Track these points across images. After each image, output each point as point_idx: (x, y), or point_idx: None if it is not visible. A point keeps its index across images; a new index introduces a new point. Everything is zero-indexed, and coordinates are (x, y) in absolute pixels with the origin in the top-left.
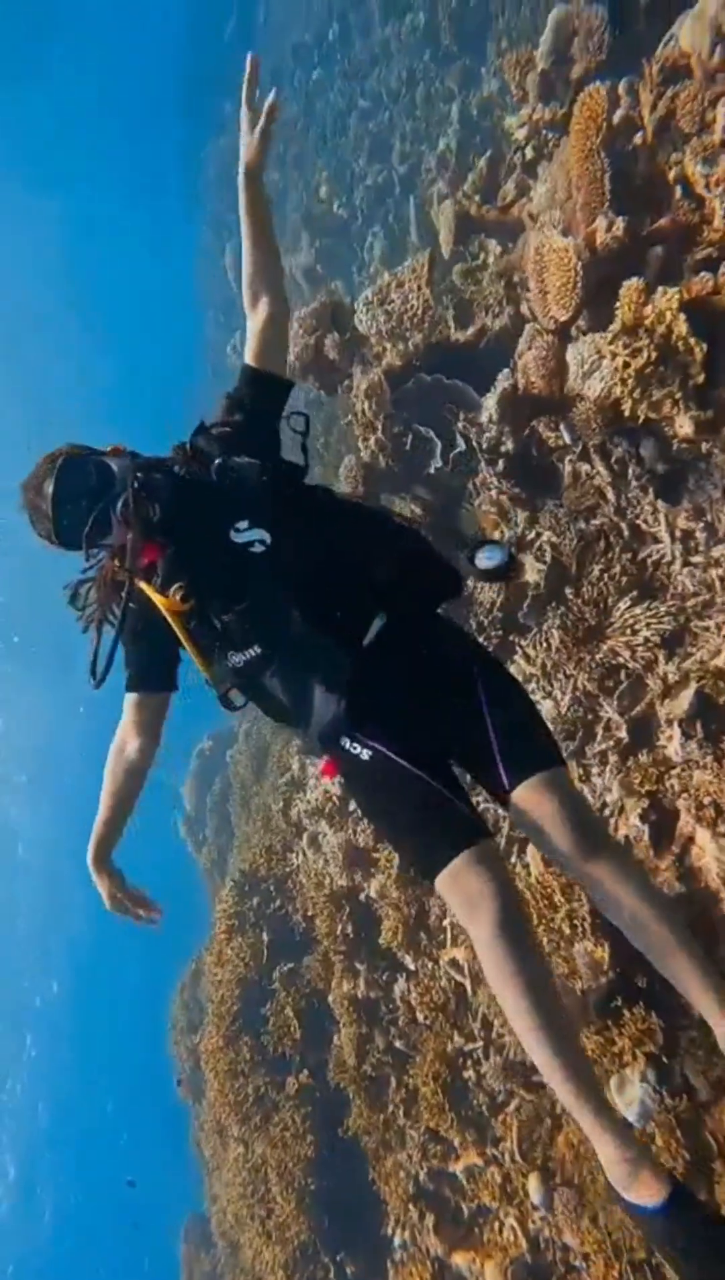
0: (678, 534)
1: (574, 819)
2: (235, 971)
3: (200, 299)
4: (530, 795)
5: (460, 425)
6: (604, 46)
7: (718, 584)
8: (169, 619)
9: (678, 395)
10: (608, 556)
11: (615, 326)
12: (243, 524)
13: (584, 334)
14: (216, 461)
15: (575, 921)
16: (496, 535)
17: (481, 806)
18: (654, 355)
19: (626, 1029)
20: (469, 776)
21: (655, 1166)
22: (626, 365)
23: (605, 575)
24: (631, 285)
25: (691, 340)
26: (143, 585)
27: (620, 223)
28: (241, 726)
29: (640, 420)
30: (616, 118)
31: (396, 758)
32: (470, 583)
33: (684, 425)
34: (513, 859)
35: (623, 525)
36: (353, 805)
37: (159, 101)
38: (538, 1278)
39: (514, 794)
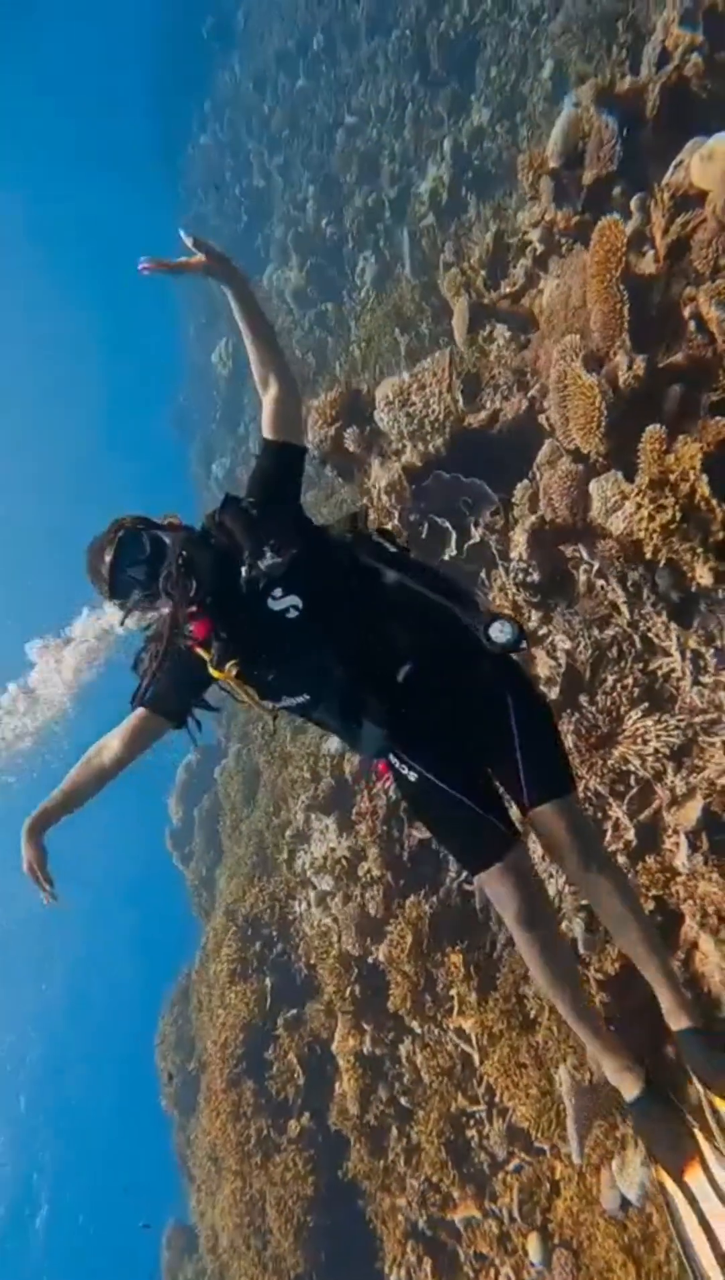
0: (688, 653)
1: (579, 842)
2: (239, 1016)
3: (181, 307)
4: (547, 816)
5: (480, 530)
6: (615, 158)
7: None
8: (229, 683)
9: (698, 550)
10: (620, 666)
11: (641, 481)
12: (277, 592)
13: (605, 462)
14: (246, 555)
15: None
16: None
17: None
18: (677, 514)
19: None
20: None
21: (636, 1073)
22: (651, 519)
23: (618, 685)
24: (653, 434)
25: (713, 501)
26: (200, 652)
27: (640, 363)
28: (232, 747)
29: (661, 563)
30: (631, 230)
31: (438, 781)
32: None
33: (704, 576)
34: None
35: (635, 637)
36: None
37: (131, 102)
38: None
39: (533, 812)
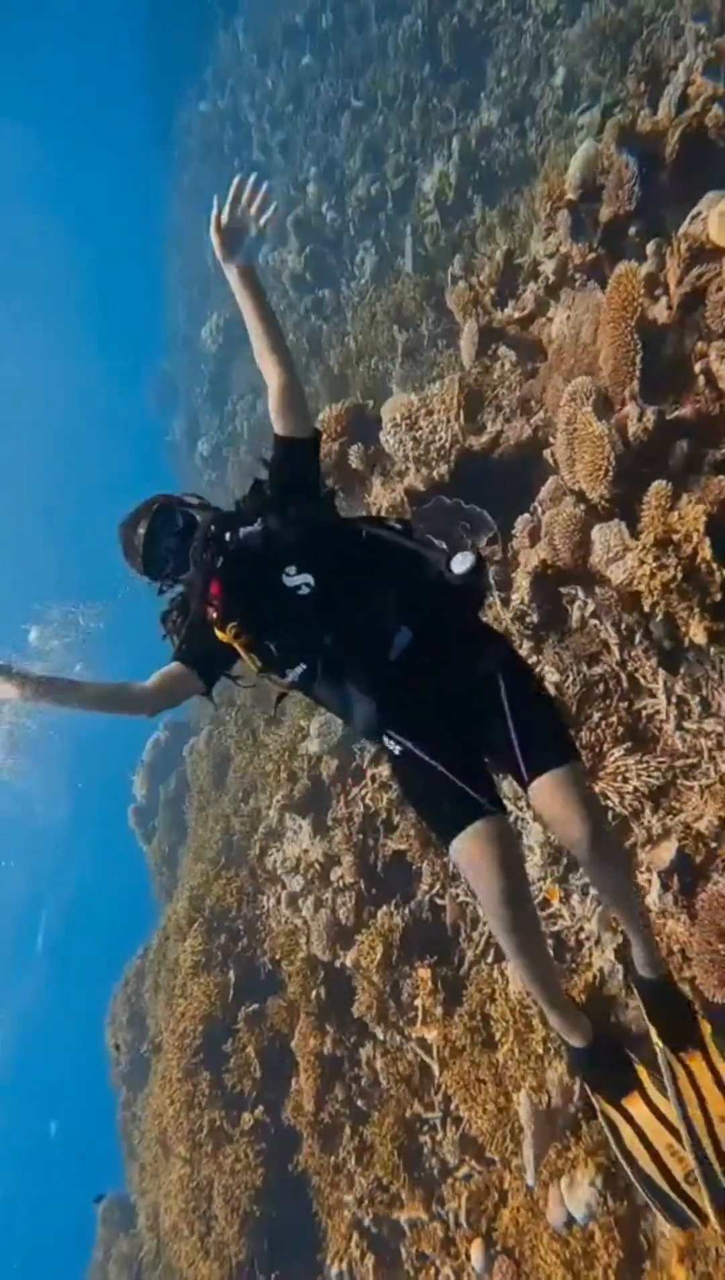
0: (674, 697)
1: (577, 815)
2: (200, 1008)
3: (169, 275)
4: (544, 789)
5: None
6: (633, 198)
7: (705, 752)
8: (234, 645)
9: (695, 609)
10: (606, 704)
11: (645, 539)
12: (292, 569)
13: (609, 508)
14: (262, 523)
15: (549, 1045)
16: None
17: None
18: (679, 574)
19: (583, 1140)
20: (497, 765)
21: (585, 1027)
22: (652, 576)
23: (603, 722)
24: (659, 490)
25: (714, 564)
26: (212, 614)
27: (650, 415)
28: (203, 728)
29: (658, 617)
30: (645, 272)
31: (420, 753)
32: None
33: (698, 634)
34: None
35: (623, 676)
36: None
37: (127, 63)
38: None
39: (532, 786)
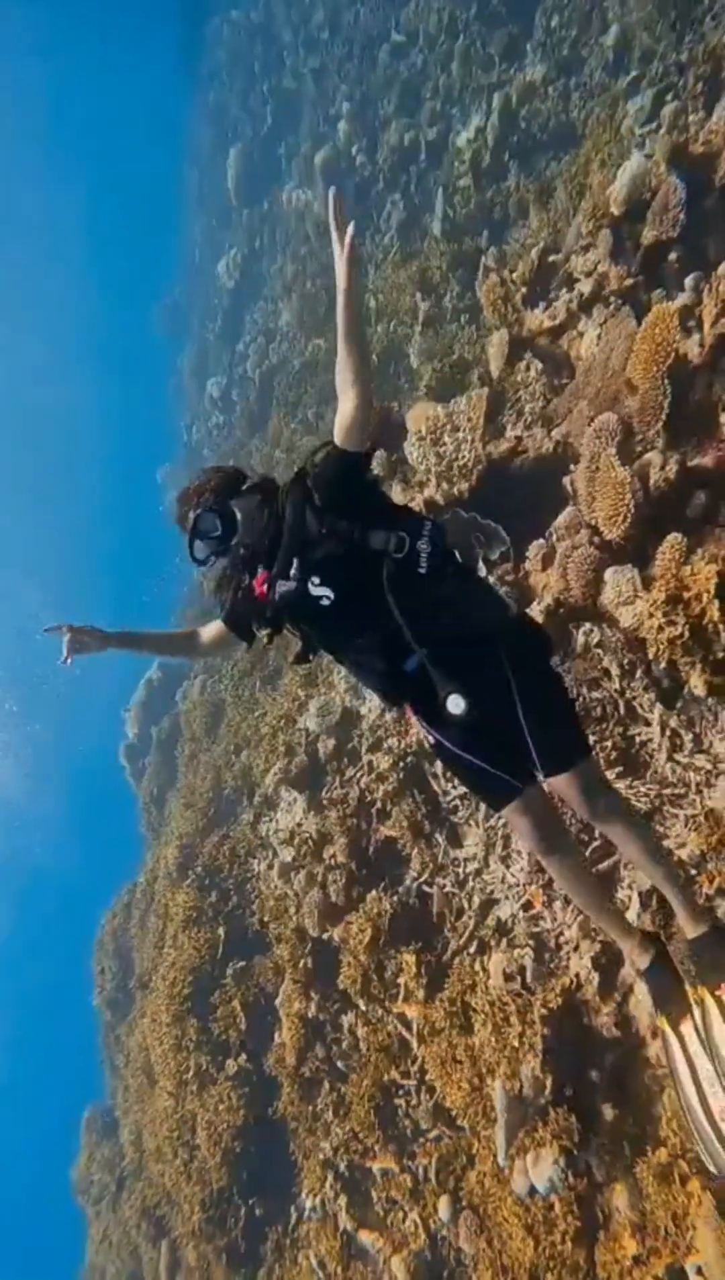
0: (667, 730)
1: (588, 805)
2: (189, 960)
3: (190, 200)
4: (558, 786)
5: (487, 568)
6: (677, 224)
7: (692, 784)
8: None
9: (698, 663)
10: (603, 727)
11: (656, 594)
12: (316, 579)
13: (624, 547)
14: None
15: (526, 1041)
16: None
17: None
18: (686, 632)
19: (550, 1125)
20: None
21: (647, 947)
22: (660, 630)
23: (599, 745)
24: (674, 543)
25: (721, 625)
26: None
27: (673, 465)
28: (197, 677)
29: (661, 665)
30: (680, 304)
31: (451, 746)
32: None
33: (698, 685)
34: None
35: (621, 704)
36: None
37: None
38: (434, 1271)
39: (547, 782)
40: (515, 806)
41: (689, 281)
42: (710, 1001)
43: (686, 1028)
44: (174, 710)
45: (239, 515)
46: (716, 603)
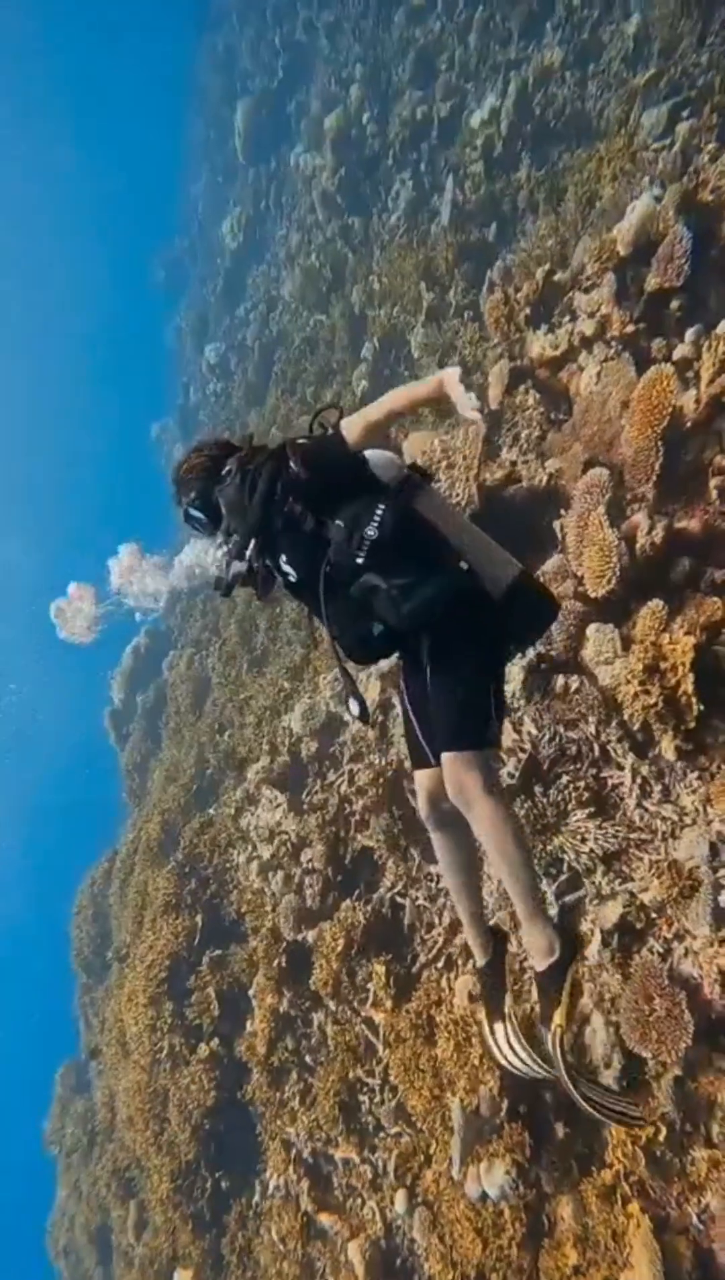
0: (639, 777)
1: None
2: (167, 945)
3: (194, 147)
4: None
5: None
6: (681, 275)
7: (658, 833)
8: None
9: (670, 731)
10: (576, 768)
11: (634, 664)
12: (283, 558)
13: (608, 602)
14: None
15: (486, 1062)
16: None
17: None
18: (660, 702)
19: (503, 1139)
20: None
21: (487, 947)
22: (635, 697)
23: (571, 785)
24: (654, 611)
25: (693, 700)
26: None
27: (660, 531)
28: (185, 651)
29: (635, 726)
30: (679, 356)
31: (406, 699)
32: None
33: (668, 750)
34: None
35: (596, 746)
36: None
37: None
38: (388, 1257)
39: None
40: (421, 775)
41: (689, 335)
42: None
43: (498, 1025)
44: (160, 679)
45: (222, 505)
46: (691, 677)
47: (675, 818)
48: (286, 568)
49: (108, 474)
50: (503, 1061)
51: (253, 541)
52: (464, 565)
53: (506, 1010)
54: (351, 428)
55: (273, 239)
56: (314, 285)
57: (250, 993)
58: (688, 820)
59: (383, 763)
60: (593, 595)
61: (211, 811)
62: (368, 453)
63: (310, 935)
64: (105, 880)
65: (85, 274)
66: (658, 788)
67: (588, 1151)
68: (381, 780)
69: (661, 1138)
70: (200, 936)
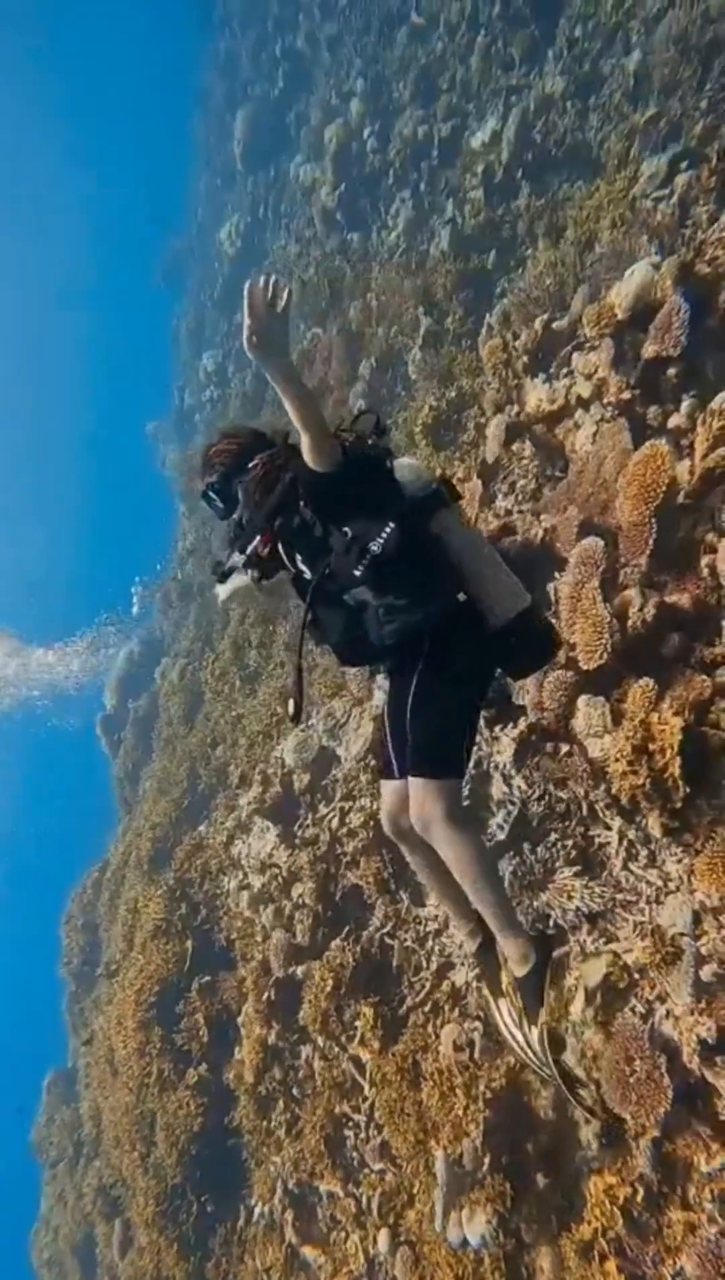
0: (626, 840)
1: (416, 823)
2: (157, 970)
3: (196, 144)
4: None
5: None
6: (678, 345)
7: (643, 893)
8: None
9: (656, 810)
10: (565, 825)
11: (623, 745)
12: (299, 557)
13: (599, 677)
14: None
15: (470, 1115)
16: None
17: None
18: (647, 781)
19: (486, 1189)
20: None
21: (477, 934)
22: (623, 776)
23: (560, 843)
24: (644, 689)
25: (680, 782)
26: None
27: (651, 608)
28: (178, 662)
29: (623, 800)
30: (674, 424)
31: (385, 715)
32: None
33: (654, 827)
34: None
35: (584, 805)
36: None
37: None
38: None
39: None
40: (386, 787)
41: (685, 406)
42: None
43: (502, 1002)
44: (153, 687)
45: (241, 496)
46: (679, 760)
47: (660, 883)
48: (301, 565)
49: (101, 467)
50: (508, 1038)
51: (257, 538)
52: (461, 596)
53: (504, 987)
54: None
55: (271, 248)
56: (312, 300)
57: (239, 1021)
58: (672, 886)
59: (374, 806)
60: (583, 666)
61: (203, 829)
62: (399, 460)
63: (299, 970)
64: (95, 891)
65: (86, 259)
66: (644, 852)
67: (567, 1204)
68: (372, 823)
69: (639, 1198)
70: (190, 962)
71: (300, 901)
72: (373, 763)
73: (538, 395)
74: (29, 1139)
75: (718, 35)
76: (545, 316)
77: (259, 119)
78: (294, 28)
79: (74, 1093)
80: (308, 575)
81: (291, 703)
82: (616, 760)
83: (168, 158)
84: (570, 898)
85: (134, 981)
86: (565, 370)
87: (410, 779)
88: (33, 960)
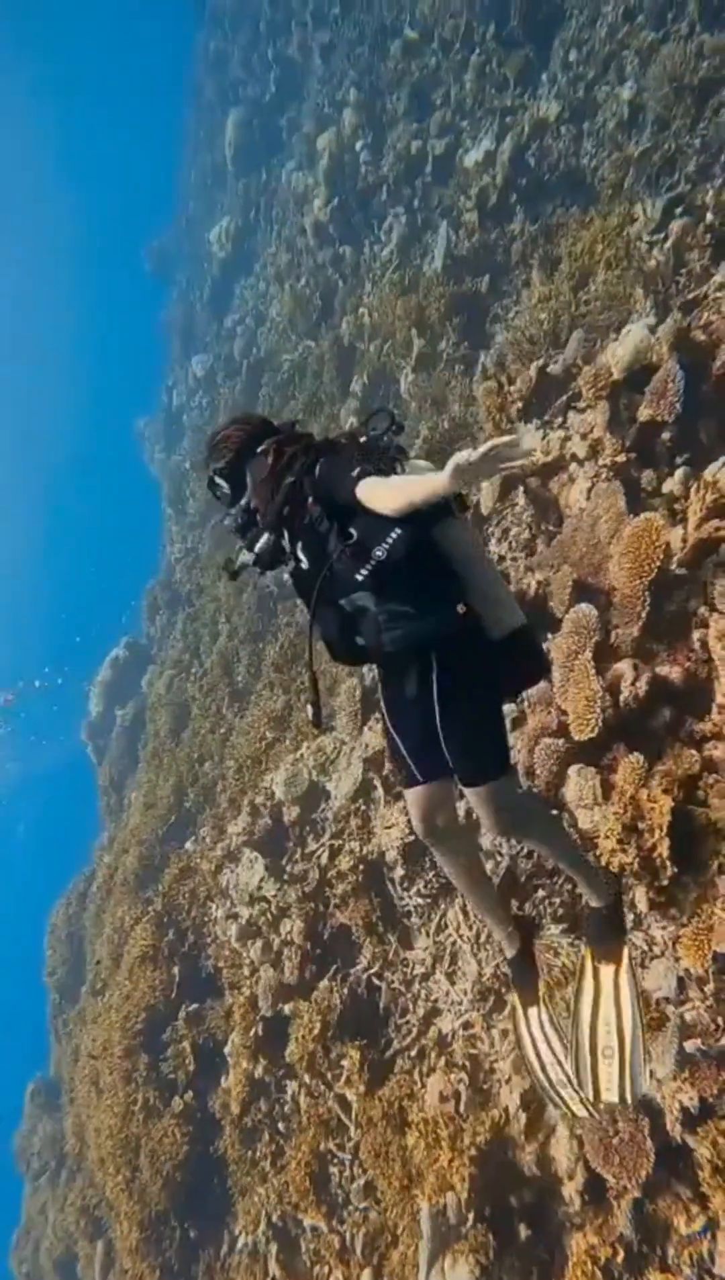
0: None
1: (497, 822)
2: (143, 997)
3: (187, 139)
4: (469, 798)
5: None
6: (673, 411)
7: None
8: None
9: (643, 887)
10: (553, 882)
11: (613, 824)
12: (300, 545)
13: (590, 744)
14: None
15: (454, 1168)
16: None
17: None
18: (635, 860)
19: (468, 1240)
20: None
21: (514, 938)
22: (612, 853)
23: (547, 899)
24: (634, 766)
25: (668, 862)
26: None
27: (643, 683)
28: (165, 672)
29: (613, 867)
30: (669, 490)
31: (386, 714)
32: None
33: (640, 901)
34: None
35: None
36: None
37: None
38: None
39: (465, 791)
40: (413, 794)
41: (679, 475)
42: (589, 968)
43: (533, 1011)
44: (139, 695)
45: (249, 480)
46: (667, 841)
47: (645, 947)
48: (300, 555)
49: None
50: (529, 1053)
51: (267, 535)
52: (462, 608)
53: (541, 994)
54: (369, 492)
55: (261, 252)
56: (304, 311)
57: (226, 1052)
58: (657, 951)
59: (363, 850)
60: (575, 738)
61: (190, 846)
62: (412, 462)
63: (287, 1008)
64: (80, 902)
65: (76, 252)
66: (630, 915)
67: (548, 1259)
68: (361, 867)
69: (619, 1259)
70: (177, 990)
71: (288, 939)
72: (375, 791)
73: (533, 444)
74: (11, 1147)
75: (711, 74)
76: (540, 362)
77: (251, 121)
78: (286, 32)
79: (57, 1104)
80: (306, 566)
81: (311, 708)
82: (606, 838)
83: (157, 142)
84: (557, 954)
85: (120, 1007)
86: (560, 421)
87: (474, 791)
88: (14, 967)
